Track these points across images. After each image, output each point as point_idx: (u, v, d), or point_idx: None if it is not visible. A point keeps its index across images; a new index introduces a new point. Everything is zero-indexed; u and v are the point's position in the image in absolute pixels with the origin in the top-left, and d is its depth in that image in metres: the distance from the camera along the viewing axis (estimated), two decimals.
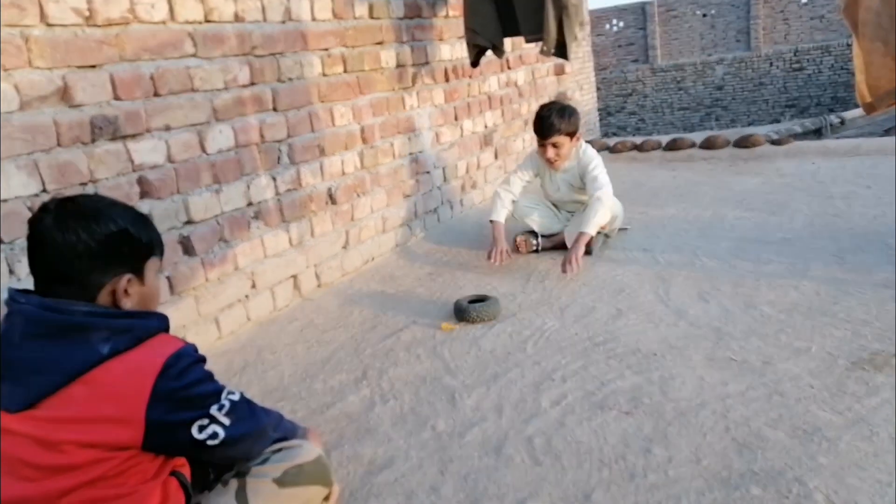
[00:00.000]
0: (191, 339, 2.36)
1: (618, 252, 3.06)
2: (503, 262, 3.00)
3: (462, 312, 2.47)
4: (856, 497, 1.36)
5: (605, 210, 2.97)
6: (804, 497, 1.38)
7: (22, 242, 1.87)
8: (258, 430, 1.27)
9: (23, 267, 1.87)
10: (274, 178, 2.73)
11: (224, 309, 2.51)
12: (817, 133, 8.78)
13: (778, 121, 14.58)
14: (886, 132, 7.66)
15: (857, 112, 9.30)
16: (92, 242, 1.12)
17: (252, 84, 2.60)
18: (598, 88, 14.96)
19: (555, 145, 3.00)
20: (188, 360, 1.16)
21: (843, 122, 9.39)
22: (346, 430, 1.85)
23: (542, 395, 1.90)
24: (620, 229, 3.31)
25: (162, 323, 1.21)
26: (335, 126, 3.05)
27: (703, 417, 1.70)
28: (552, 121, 2.95)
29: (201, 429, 1.15)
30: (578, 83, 6.50)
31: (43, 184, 1.92)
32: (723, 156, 4.88)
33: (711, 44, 16.60)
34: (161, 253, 1.29)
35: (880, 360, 1.87)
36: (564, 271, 2.77)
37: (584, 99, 6.67)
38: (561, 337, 2.26)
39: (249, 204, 2.62)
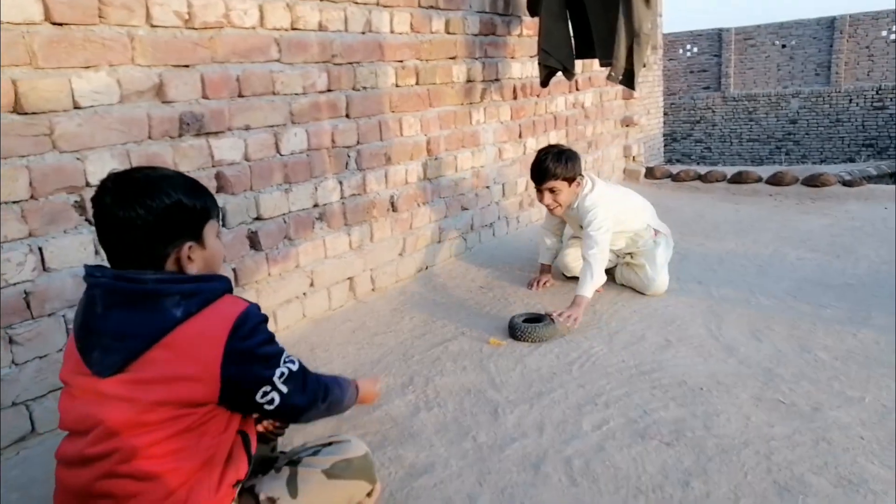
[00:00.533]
0: None
1: (671, 283, 3.04)
2: (540, 290, 2.99)
3: (516, 331, 2.50)
4: None
5: (598, 271, 2.74)
6: None
7: None
8: (309, 402, 1.34)
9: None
10: (340, 183, 2.84)
11: (282, 304, 2.62)
12: (893, 177, 8.44)
13: (853, 160, 14.04)
14: None
15: None
16: (150, 217, 1.17)
17: (329, 90, 2.72)
18: (666, 113, 14.76)
19: (551, 191, 2.80)
20: (255, 320, 1.23)
21: None
22: (389, 432, 1.92)
23: (583, 418, 1.92)
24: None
25: (226, 284, 1.25)
26: (403, 136, 3.15)
27: (745, 456, 1.69)
28: (547, 165, 2.75)
29: (264, 394, 1.23)
30: (646, 107, 6.45)
31: None
32: (790, 193, 4.77)
33: (788, 76, 16.16)
34: (217, 215, 1.32)
35: None
36: (560, 319, 2.56)
37: (651, 124, 6.60)
38: (607, 362, 2.27)
39: (315, 205, 2.73)
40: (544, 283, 3.10)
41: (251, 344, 1.20)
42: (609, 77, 3.34)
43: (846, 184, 4.72)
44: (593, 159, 4.95)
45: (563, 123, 4.50)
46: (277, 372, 1.24)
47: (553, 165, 2.75)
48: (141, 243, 1.19)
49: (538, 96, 4.15)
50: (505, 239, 3.97)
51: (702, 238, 3.76)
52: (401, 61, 3.06)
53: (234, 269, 2.41)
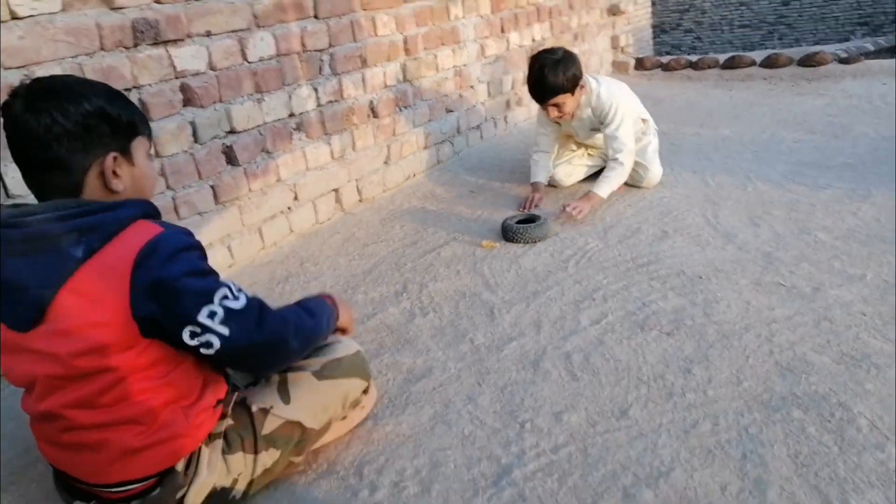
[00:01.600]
0: (235, 249, 2.41)
1: (666, 174, 2.95)
2: (564, 211, 2.56)
3: (509, 233, 2.43)
4: None
5: (623, 174, 2.65)
6: (847, 421, 1.36)
7: None
8: (269, 341, 1.15)
9: None
10: (315, 89, 2.69)
11: (267, 220, 2.53)
12: (891, 52, 8.18)
13: (847, 39, 13.63)
14: None
15: None
16: (68, 123, 1.04)
17: None
18: (654, 3, 14.13)
19: (556, 105, 2.60)
20: (173, 246, 1.06)
21: None
22: (385, 339, 1.88)
23: (581, 314, 1.88)
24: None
25: (141, 209, 1.10)
26: (377, 35, 2.96)
27: (746, 340, 1.67)
28: (546, 82, 2.52)
29: (193, 335, 1.07)
30: None
31: None
32: (785, 75, 4.60)
33: None
34: (149, 133, 1.19)
35: None
36: (563, 212, 2.53)
37: (638, 14, 6.28)
38: (603, 257, 2.22)
39: (291, 115, 2.59)
40: (537, 202, 2.76)
41: (165, 275, 1.03)
42: None
43: (843, 61, 4.54)
44: (580, 52, 4.71)
45: (547, 15, 4.26)
46: (205, 311, 1.06)
47: (552, 79, 2.51)
48: (57, 154, 1.04)
49: None
50: (493, 141, 3.84)
51: (696, 127, 3.64)
52: None
53: (212, 187, 2.31)
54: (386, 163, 3.11)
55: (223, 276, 1.15)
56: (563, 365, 1.66)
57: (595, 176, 2.92)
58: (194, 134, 2.23)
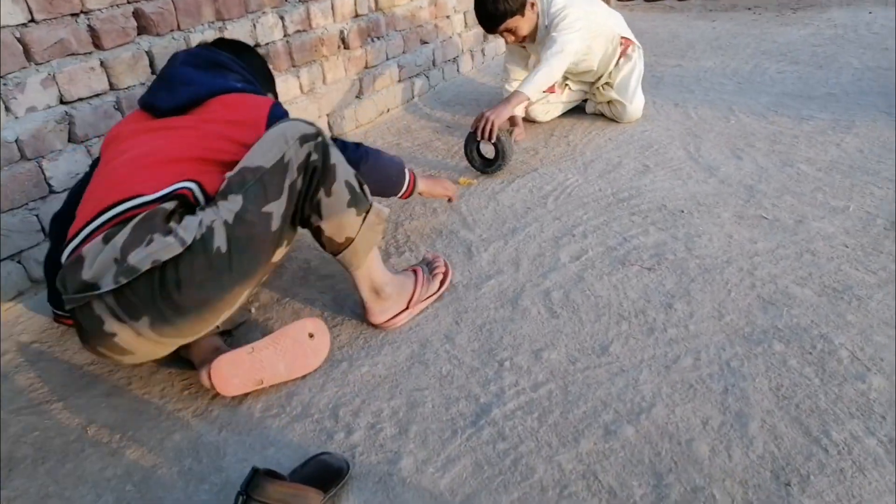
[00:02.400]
0: None
1: (648, 107, 2.88)
2: (480, 127, 2.33)
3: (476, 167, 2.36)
4: (882, 354, 1.32)
5: (550, 73, 2.40)
6: (828, 353, 1.34)
7: (16, 77, 1.75)
8: (350, 147, 1.66)
9: (19, 104, 1.77)
10: (282, 17, 2.53)
11: None
12: None
13: None
14: None
15: None
16: None
17: None
18: None
19: (509, 31, 2.46)
20: (283, 109, 1.51)
21: None
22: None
23: (561, 250, 1.84)
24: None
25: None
26: None
27: (728, 274, 1.64)
28: (489, 9, 2.39)
29: None
30: None
31: (31, 12, 1.77)
32: (769, 4, 4.48)
33: None
34: None
35: None
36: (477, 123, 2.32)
37: None
38: (583, 192, 2.17)
39: (256, 45, 2.44)
40: (480, 126, 2.35)
41: (283, 114, 1.48)
42: None
43: None
44: None
45: None
46: None
47: (495, 5, 2.36)
48: None
49: None
50: (471, 74, 3.71)
51: (677, 58, 3.54)
52: None
53: None
54: (358, 97, 2.99)
55: None
56: (542, 302, 1.62)
57: (574, 112, 2.83)
58: (151, 64, 2.08)
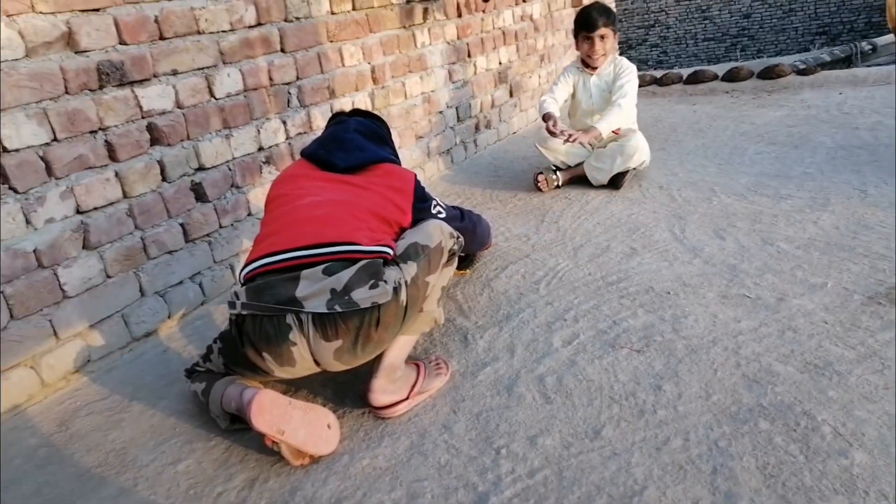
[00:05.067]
0: (206, 284, 2.41)
1: (634, 190, 3.02)
2: (562, 132, 2.92)
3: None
4: (863, 429, 1.37)
5: (621, 116, 3.02)
6: (812, 430, 1.39)
7: (37, 192, 1.89)
8: (459, 216, 2.14)
9: (38, 217, 1.89)
10: (284, 122, 2.71)
11: (239, 254, 2.54)
12: (847, 61, 8.44)
13: (808, 49, 14.01)
14: None
15: (891, 38, 8.91)
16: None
17: (259, 24, 2.55)
18: (619, 20, 14.39)
19: (602, 38, 3.06)
20: (422, 185, 1.92)
21: (874, 49, 9.00)
22: (360, 370, 1.88)
23: (553, 335, 1.91)
24: (639, 167, 3.23)
25: None
26: (345, 66, 3.00)
27: (714, 354, 1.70)
28: (599, 13, 3.04)
29: (434, 206, 1.95)
30: None
31: (53, 132, 1.92)
32: (746, 88, 4.73)
33: None
34: None
35: None
36: (567, 138, 2.91)
37: None
38: (574, 277, 2.26)
39: (260, 149, 2.60)
40: (557, 124, 2.96)
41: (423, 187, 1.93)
42: None
43: (801, 73, 4.68)
44: (546, 73, 4.82)
45: (513, 38, 4.34)
46: (434, 202, 1.97)
47: (604, 13, 3.05)
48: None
49: (483, 12, 3.98)
50: (464, 164, 3.89)
51: (661, 142, 3.72)
52: None
53: (182, 224, 2.31)
54: None
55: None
56: (536, 388, 1.68)
57: (564, 198, 2.99)
58: (162, 172, 2.23)
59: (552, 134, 3.01)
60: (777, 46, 15.27)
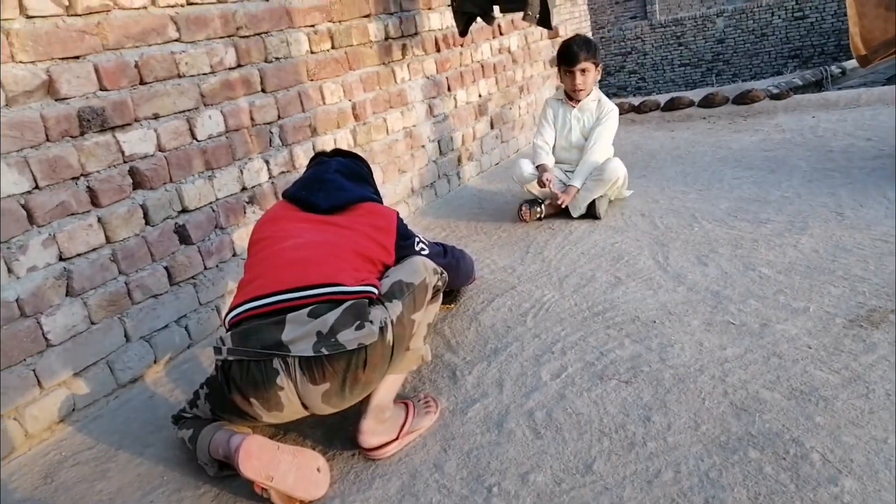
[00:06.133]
0: (192, 327, 2.39)
1: (616, 218, 3.05)
2: (552, 186, 3.07)
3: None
4: (851, 455, 1.38)
5: (591, 167, 3.12)
6: (801, 457, 1.39)
7: (19, 240, 1.88)
8: (442, 253, 2.16)
9: (20, 265, 1.88)
10: (267, 161, 2.72)
11: (224, 296, 2.52)
12: (818, 85, 8.65)
13: (781, 73, 14.35)
14: (888, 81, 7.53)
15: None
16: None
17: (239, 66, 2.57)
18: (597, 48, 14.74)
19: (583, 71, 3.11)
20: (403, 222, 1.93)
21: (844, 73, 9.24)
22: (347, 411, 1.87)
23: (542, 368, 1.91)
24: (621, 197, 3.28)
25: None
26: (326, 104, 3.03)
27: (701, 383, 1.71)
28: (579, 49, 3.08)
29: (417, 243, 1.95)
30: None
31: (35, 180, 1.92)
32: (722, 113, 4.82)
33: None
34: None
35: (877, 316, 1.87)
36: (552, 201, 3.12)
37: None
38: (560, 308, 2.27)
39: (244, 189, 2.61)
40: (551, 178, 3.09)
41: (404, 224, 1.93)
42: (525, 17, 3.26)
43: (774, 97, 4.79)
44: (526, 104, 4.89)
45: (492, 71, 4.41)
46: (417, 239, 1.96)
47: (585, 47, 3.09)
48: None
49: (462, 46, 4.05)
50: (448, 197, 3.91)
51: (641, 169, 3.77)
52: (312, 25, 2.92)
53: (166, 268, 2.30)
54: None
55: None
56: (526, 423, 1.67)
57: (548, 230, 3.01)
58: (145, 216, 2.23)
59: (542, 185, 3.10)
60: (751, 70, 15.64)
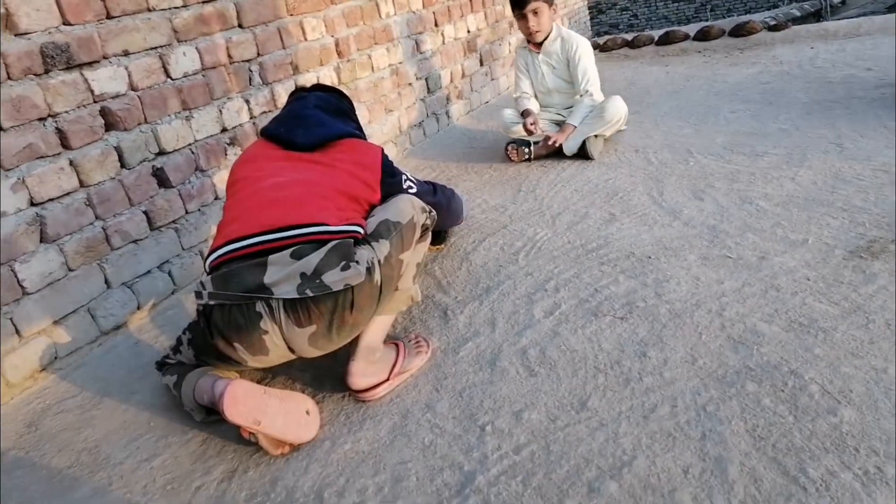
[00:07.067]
0: (175, 272, 2.33)
1: (610, 155, 2.97)
2: (538, 128, 3.01)
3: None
4: (850, 385, 1.35)
5: (593, 104, 3.02)
6: (799, 389, 1.37)
7: None
8: (432, 191, 2.03)
9: None
10: (247, 101, 2.61)
11: (207, 240, 2.45)
12: (817, 15, 8.43)
13: (776, 6, 14.00)
14: (889, 9, 7.33)
15: None
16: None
17: None
18: None
19: (535, 12, 2.95)
20: (388, 158, 1.84)
21: (844, 2, 8.99)
22: (339, 351, 1.83)
23: (534, 306, 1.87)
24: (619, 130, 3.19)
25: None
26: (307, 41, 2.89)
27: (698, 317, 1.68)
28: None
29: (405, 180, 1.85)
30: None
31: None
32: (718, 47, 4.68)
33: None
34: None
35: (877, 246, 1.83)
36: (544, 142, 3.02)
37: None
38: (553, 246, 2.21)
39: (224, 130, 2.51)
40: (536, 121, 3.01)
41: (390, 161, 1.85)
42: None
43: (772, 29, 4.65)
44: (517, 40, 4.72)
45: (481, 5, 4.24)
46: (404, 177, 1.86)
47: None
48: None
49: None
50: (437, 137, 3.81)
51: (635, 105, 3.66)
52: None
53: (145, 212, 2.21)
54: None
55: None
56: (519, 361, 1.64)
57: (541, 167, 2.93)
58: (120, 159, 2.13)
59: (529, 133, 2.99)
60: (746, 4, 15.24)
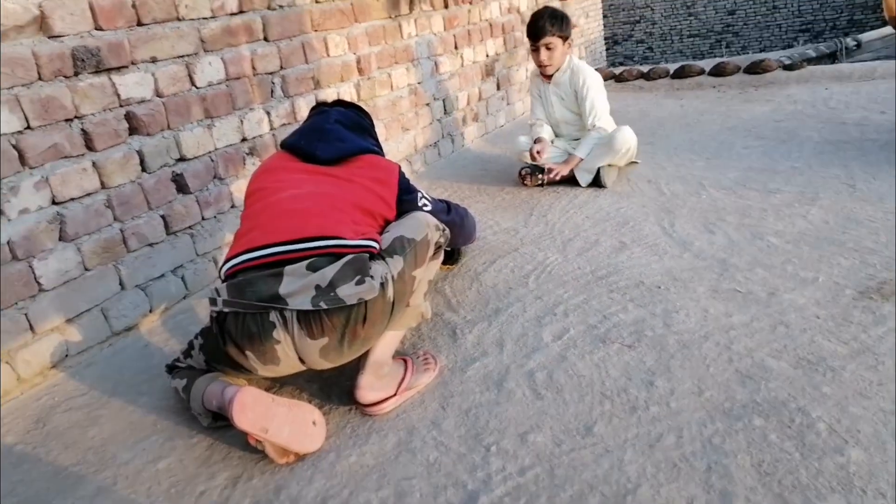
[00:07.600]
0: (188, 278, 2.35)
1: (622, 184, 3.00)
2: (543, 157, 3.03)
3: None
4: (858, 426, 1.35)
5: (598, 134, 3.03)
6: (807, 427, 1.37)
7: (10, 181, 1.82)
8: (446, 209, 2.06)
9: (12, 207, 1.83)
10: (268, 112, 2.65)
11: (222, 247, 2.47)
12: (832, 57, 8.49)
13: (791, 46, 14.11)
14: None
15: (875, 34, 8.97)
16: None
17: (241, 12, 2.48)
18: (605, 16, 14.39)
19: (547, 47, 2.97)
20: (405, 177, 1.85)
21: (859, 45, 9.06)
22: (346, 367, 1.84)
23: (543, 330, 1.88)
24: (632, 162, 3.21)
25: None
26: (330, 56, 2.94)
27: (706, 349, 1.68)
28: (544, 22, 2.93)
29: (421, 197, 1.87)
30: (584, 10, 6.24)
31: (27, 120, 1.85)
32: (733, 83, 4.72)
33: None
34: None
35: (888, 288, 1.84)
36: (546, 173, 3.05)
37: (591, 27, 6.41)
38: (563, 271, 2.23)
39: (244, 139, 2.54)
40: (540, 150, 3.01)
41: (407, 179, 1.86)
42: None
43: (787, 68, 4.69)
44: (533, 65, 4.77)
45: (500, 31, 4.30)
46: (420, 195, 1.88)
47: (550, 21, 2.92)
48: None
49: (471, 3, 3.93)
50: (451, 157, 3.84)
51: (649, 136, 3.70)
52: None
53: (163, 216, 2.24)
54: None
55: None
56: (526, 383, 1.64)
57: (552, 193, 2.96)
58: (142, 163, 2.17)
59: (533, 159, 3.02)
60: (761, 43, 15.36)
